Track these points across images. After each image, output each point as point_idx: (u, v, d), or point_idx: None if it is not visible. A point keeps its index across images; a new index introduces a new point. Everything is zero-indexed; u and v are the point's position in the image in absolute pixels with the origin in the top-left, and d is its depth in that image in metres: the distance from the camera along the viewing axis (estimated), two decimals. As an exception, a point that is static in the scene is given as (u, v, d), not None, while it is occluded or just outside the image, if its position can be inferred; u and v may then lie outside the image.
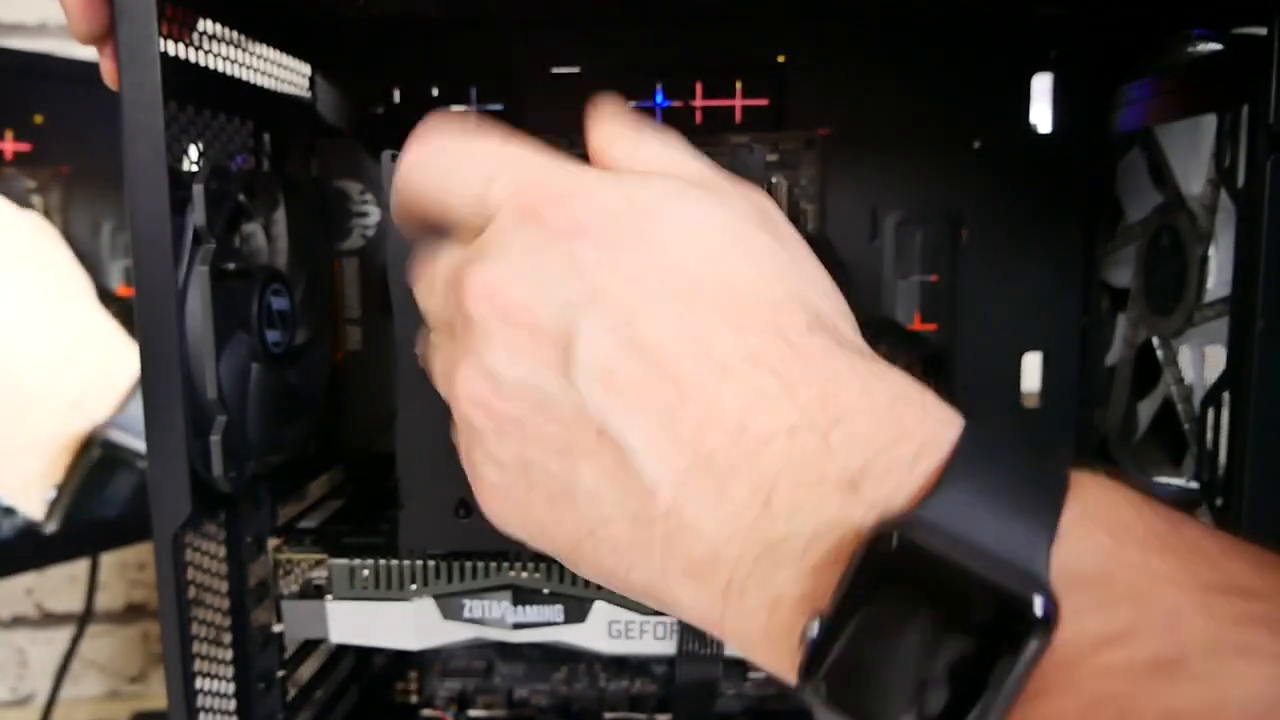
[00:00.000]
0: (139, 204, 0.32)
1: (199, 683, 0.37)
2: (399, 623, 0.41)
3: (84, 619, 0.72)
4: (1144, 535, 0.22)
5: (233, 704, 0.40)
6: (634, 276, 0.25)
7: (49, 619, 0.84)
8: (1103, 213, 0.50)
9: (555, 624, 0.41)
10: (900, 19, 0.49)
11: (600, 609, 0.41)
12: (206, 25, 0.38)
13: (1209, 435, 0.40)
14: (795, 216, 0.48)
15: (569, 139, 0.30)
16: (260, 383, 0.38)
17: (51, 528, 0.61)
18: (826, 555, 0.23)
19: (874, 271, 0.50)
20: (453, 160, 0.28)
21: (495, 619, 0.41)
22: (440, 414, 0.29)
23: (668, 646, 0.42)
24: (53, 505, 0.60)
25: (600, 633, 0.41)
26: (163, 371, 0.33)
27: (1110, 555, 0.22)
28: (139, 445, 0.46)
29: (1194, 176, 0.43)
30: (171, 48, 0.35)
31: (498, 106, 0.51)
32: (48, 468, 0.60)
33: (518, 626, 0.41)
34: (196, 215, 0.34)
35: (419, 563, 0.41)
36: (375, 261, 0.49)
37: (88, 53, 0.34)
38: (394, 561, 0.41)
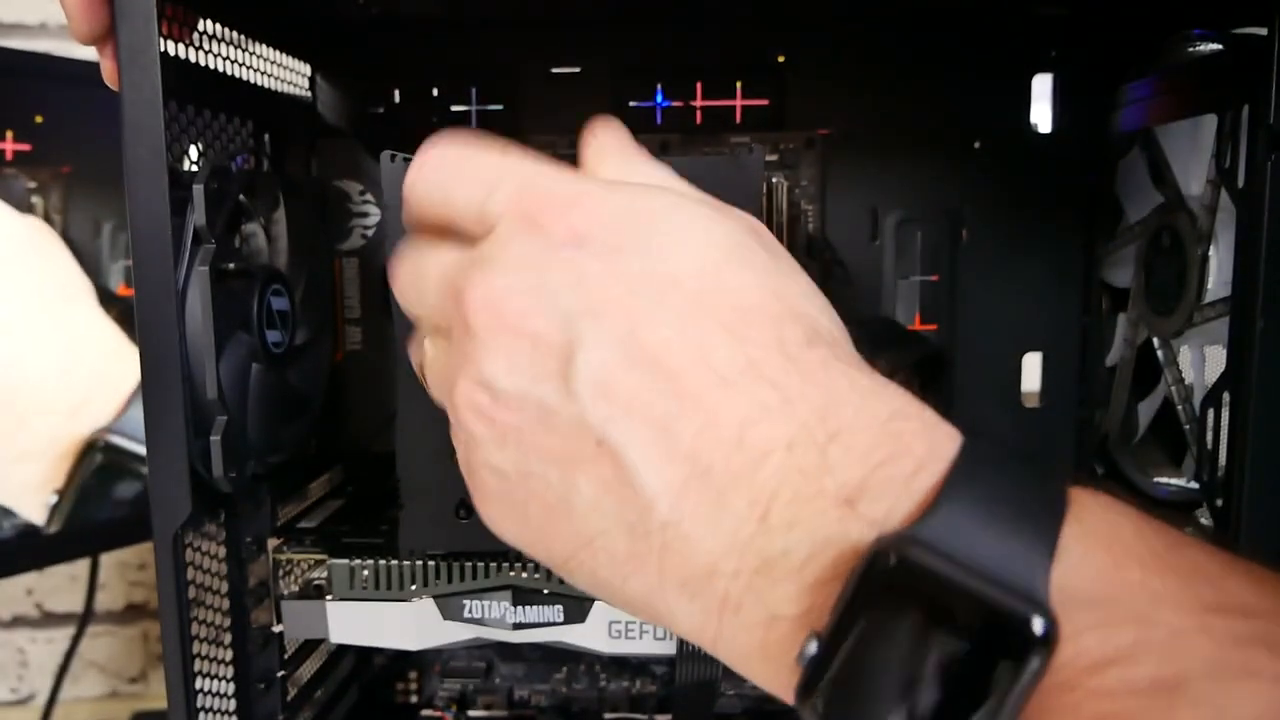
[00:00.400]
0: (139, 204, 0.32)
1: (199, 683, 0.37)
2: (399, 623, 0.41)
3: (84, 619, 0.72)
4: (1144, 554, 0.22)
5: (233, 704, 0.40)
6: (634, 287, 0.25)
7: (49, 619, 0.84)
8: (1103, 213, 0.50)
9: (555, 624, 0.41)
10: (900, 19, 0.49)
11: (600, 609, 0.41)
12: (206, 25, 0.38)
13: (1209, 435, 0.40)
14: (795, 216, 0.48)
15: (569, 139, 0.31)
16: (260, 383, 0.38)
17: (52, 530, 0.61)
18: (824, 571, 0.23)
19: (874, 271, 0.50)
20: (455, 170, 0.28)
21: (495, 619, 0.41)
22: (440, 414, 0.29)
23: (668, 647, 0.42)
24: (53, 510, 0.60)
25: (600, 633, 0.41)
26: (163, 371, 0.33)
27: (1110, 575, 0.21)
28: (140, 449, 0.46)
29: (1194, 176, 0.43)
30: (171, 48, 0.35)
31: (498, 106, 0.51)
32: (49, 473, 0.59)
33: (518, 627, 0.41)
34: (196, 215, 0.34)
35: (419, 563, 0.41)
36: (375, 261, 0.49)
37: (88, 53, 0.34)
38: (394, 562, 0.41)
